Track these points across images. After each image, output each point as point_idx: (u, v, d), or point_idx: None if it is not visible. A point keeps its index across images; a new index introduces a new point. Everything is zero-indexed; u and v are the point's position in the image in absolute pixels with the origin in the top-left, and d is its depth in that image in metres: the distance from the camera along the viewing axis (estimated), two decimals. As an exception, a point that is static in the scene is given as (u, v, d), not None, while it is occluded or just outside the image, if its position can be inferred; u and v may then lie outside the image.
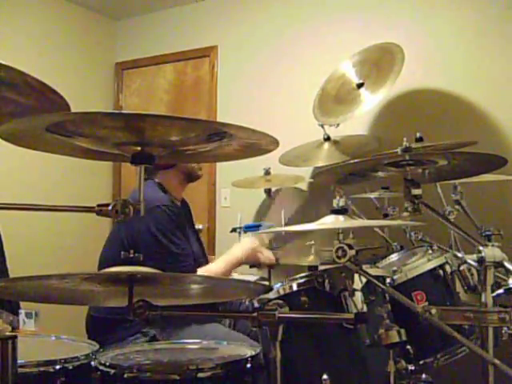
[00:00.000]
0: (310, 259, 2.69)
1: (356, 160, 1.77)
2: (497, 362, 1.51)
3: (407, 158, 1.67)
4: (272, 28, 3.85)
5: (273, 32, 3.84)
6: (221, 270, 2.45)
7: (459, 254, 1.95)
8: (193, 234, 2.67)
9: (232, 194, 3.87)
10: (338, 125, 3.03)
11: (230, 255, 2.54)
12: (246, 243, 2.62)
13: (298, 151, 3.19)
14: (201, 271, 2.41)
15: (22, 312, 2.61)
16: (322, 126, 3.09)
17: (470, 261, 1.79)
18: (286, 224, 2.99)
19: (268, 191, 3.44)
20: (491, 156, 1.67)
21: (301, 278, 1.95)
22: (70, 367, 1.54)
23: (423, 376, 1.97)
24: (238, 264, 2.55)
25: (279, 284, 1.97)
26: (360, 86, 2.98)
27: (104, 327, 2.33)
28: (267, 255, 2.64)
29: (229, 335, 2.27)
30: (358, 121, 3.23)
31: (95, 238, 3.45)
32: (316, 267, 2.56)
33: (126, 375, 1.54)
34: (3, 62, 0.92)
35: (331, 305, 1.83)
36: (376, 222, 2.46)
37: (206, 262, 2.61)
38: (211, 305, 2.02)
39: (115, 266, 1.40)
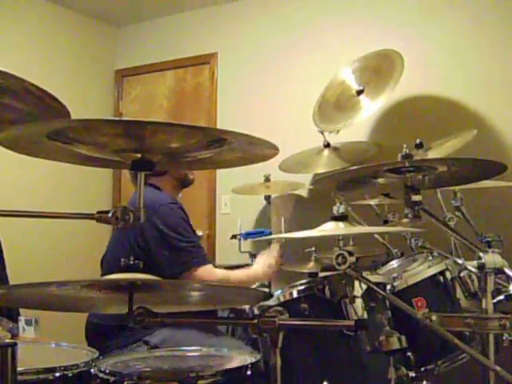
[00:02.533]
0: (310, 266, 2.69)
1: (356, 167, 1.77)
2: (498, 368, 1.51)
3: (407, 164, 1.67)
4: (272, 35, 3.86)
5: (273, 39, 3.85)
6: (239, 278, 2.45)
7: (459, 261, 1.94)
8: None
9: (232, 200, 3.87)
10: (337, 131, 3.03)
11: (251, 270, 2.54)
12: (266, 258, 2.60)
13: (297, 158, 3.19)
14: (221, 272, 2.42)
15: (22, 319, 2.61)
16: (322, 132, 3.09)
17: (470, 267, 1.79)
18: (286, 231, 2.99)
19: (268, 198, 3.43)
20: (491, 162, 1.66)
21: (301, 284, 1.95)
22: (70, 374, 1.53)
23: (424, 383, 1.97)
24: (257, 280, 2.57)
25: (279, 291, 1.97)
26: (360, 92, 2.99)
27: (104, 335, 2.31)
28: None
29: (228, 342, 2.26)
30: (357, 127, 3.23)
31: (95, 245, 3.45)
32: (316, 274, 2.56)
33: (125, 382, 1.53)
34: (3, 69, 0.93)
35: (331, 312, 1.82)
36: (376, 229, 2.45)
37: None
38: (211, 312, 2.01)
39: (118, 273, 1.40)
